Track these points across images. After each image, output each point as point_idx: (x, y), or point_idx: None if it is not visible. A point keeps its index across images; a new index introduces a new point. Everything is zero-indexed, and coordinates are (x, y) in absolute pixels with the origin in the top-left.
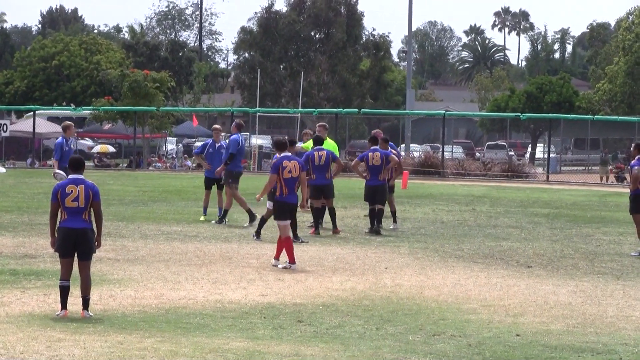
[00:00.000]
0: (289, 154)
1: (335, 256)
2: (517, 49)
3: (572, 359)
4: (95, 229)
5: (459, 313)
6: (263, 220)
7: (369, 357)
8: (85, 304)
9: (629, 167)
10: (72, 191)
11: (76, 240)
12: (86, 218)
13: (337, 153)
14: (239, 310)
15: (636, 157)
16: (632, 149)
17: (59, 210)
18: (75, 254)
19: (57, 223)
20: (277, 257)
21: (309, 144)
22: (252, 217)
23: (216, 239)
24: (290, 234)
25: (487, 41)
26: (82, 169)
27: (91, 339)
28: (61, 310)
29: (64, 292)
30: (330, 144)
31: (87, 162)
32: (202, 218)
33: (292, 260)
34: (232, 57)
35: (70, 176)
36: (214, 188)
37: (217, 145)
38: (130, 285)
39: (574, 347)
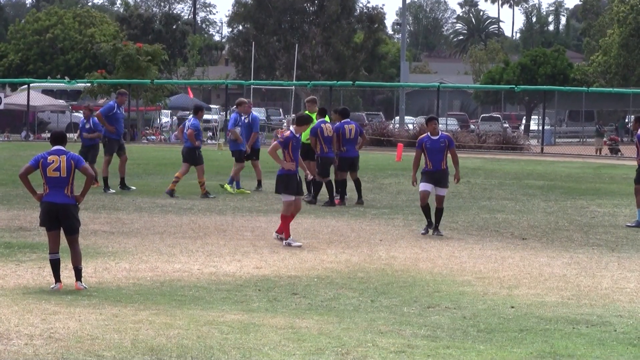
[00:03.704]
0: (291, 130)
1: (330, 228)
2: (511, 21)
3: (567, 330)
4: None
5: (453, 285)
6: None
7: (363, 329)
8: (78, 274)
9: (638, 139)
10: (53, 161)
11: (58, 215)
12: (68, 193)
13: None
14: (234, 282)
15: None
16: (633, 121)
17: (42, 183)
18: (62, 229)
19: (41, 197)
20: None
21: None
22: (105, 184)
23: (211, 211)
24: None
25: (481, 13)
26: (64, 142)
27: (86, 312)
28: (55, 283)
29: (55, 265)
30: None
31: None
32: (247, 191)
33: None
34: (226, 30)
35: (53, 148)
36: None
37: (244, 119)
38: (125, 258)
39: (569, 318)
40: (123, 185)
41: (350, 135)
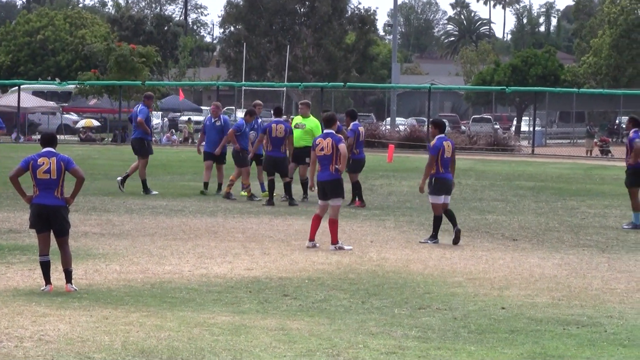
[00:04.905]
0: (332, 131)
1: (320, 230)
2: (502, 23)
3: (558, 331)
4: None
5: (444, 286)
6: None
7: (354, 330)
8: (68, 277)
9: (628, 140)
10: (44, 163)
11: (48, 217)
12: (58, 195)
13: (319, 132)
14: (225, 284)
15: (633, 130)
16: (627, 122)
17: (32, 185)
18: (52, 231)
19: (31, 199)
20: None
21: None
22: (145, 189)
23: (202, 213)
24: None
25: (472, 14)
26: (54, 144)
27: (76, 314)
28: (46, 285)
29: (45, 267)
30: (313, 122)
31: (73, 136)
32: (246, 192)
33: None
34: (217, 31)
35: (43, 150)
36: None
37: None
38: (116, 260)
39: (559, 319)
40: (123, 182)
41: (363, 137)
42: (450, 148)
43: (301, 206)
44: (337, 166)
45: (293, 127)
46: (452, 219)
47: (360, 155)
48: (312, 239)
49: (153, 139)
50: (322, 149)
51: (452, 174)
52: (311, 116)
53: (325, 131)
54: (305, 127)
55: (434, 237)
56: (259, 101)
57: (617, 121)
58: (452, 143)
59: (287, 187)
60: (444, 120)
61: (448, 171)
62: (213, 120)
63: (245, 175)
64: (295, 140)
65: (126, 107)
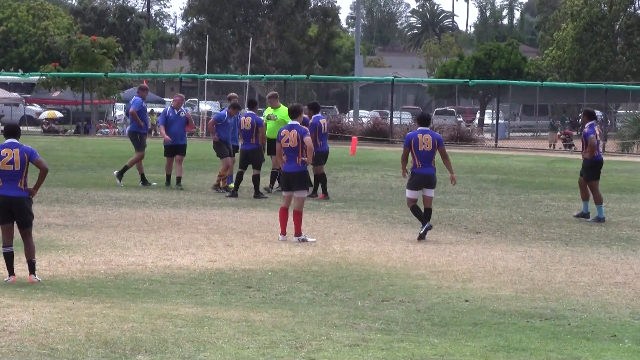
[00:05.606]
0: (297, 122)
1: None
2: (465, 15)
3: (521, 324)
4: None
5: (407, 279)
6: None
7: (317, 322)
8: (32, 268)
9: (584, 136)
10: (7, 154)
11: (11, 209)
12: (22, 186)
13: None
14: (188, 276)
15: (588, 125)
16: (581, 115)
17: None
18: (16, 222)
19: None
20: (283, 232)
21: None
22: (144, 181)
23: (165, 204)
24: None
25: (435, 7)
26: (18, 135)
27: (40, 305)
28: (9, 276)
29: (9, 258)
30: (284, 111)
31: (36, 128)
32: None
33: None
34: (180, 23)
35: (6, 141)
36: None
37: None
38: (79, 251)
39: (523, 312)
40: (144, 181)
41: (325, 129)
42: (430, 141)
43: (264, 198)
44: (303, 158)
45: (265, 119)
46: (425, 220)
47: (324, 148)
48: (283, 232)
49: (112, 131)
50: (287, 141)
51: (449, 170)
52: (281, 105)
53: (290, 122)
54: (277, 117)
55: (423, 224)
56: (234, 94)
57: (580, 114)
58: (433, 136)
59: (255, 180)
60: (426, 113)
61: (429, 165)
62: (177, 112)
63: (225, 165)
64: (269, 131)
65: (89, 98)
